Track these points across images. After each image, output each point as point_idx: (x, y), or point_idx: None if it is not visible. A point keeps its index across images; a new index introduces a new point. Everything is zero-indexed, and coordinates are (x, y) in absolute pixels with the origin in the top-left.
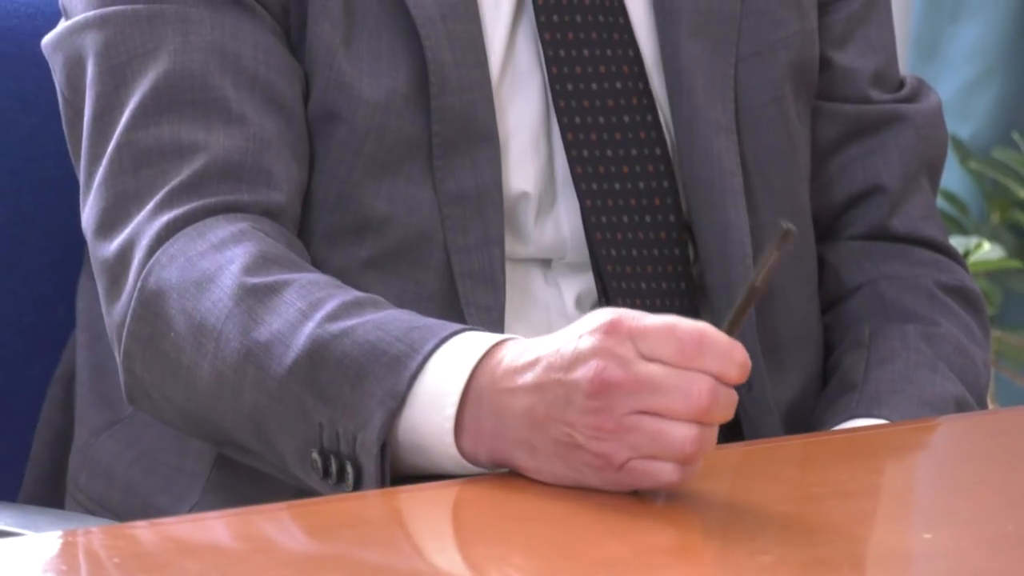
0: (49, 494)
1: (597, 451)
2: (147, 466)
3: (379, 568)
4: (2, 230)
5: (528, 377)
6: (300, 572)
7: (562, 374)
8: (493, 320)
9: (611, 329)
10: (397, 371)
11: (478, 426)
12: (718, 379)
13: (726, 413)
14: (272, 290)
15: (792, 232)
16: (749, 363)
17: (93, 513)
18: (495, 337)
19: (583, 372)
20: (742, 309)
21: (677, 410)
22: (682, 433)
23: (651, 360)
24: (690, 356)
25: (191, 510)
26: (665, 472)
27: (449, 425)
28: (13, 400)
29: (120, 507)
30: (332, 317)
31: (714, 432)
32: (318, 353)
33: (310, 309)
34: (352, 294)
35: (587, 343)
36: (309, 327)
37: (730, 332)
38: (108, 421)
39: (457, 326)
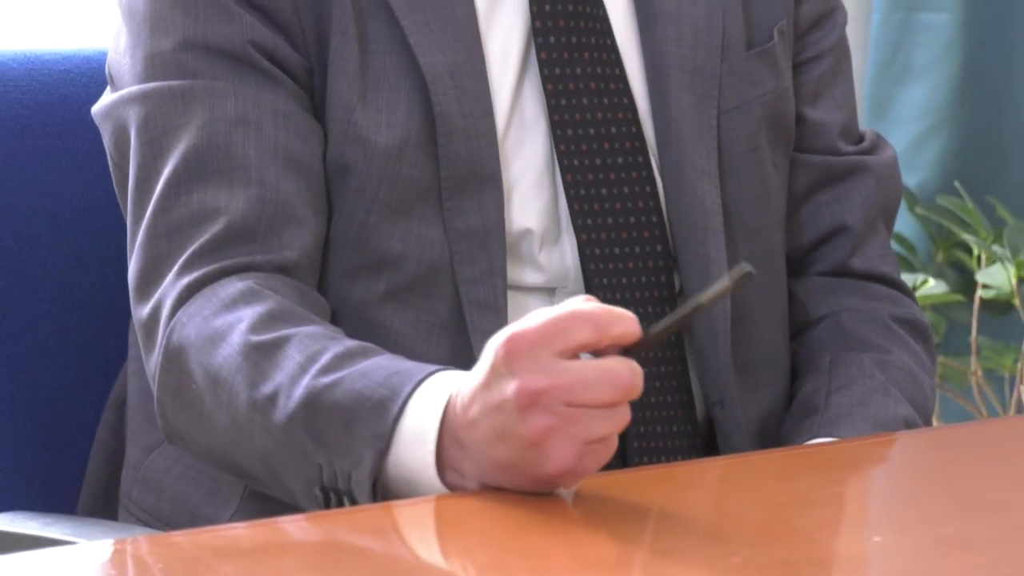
0: (103, 508)
1: (552, 454)
2: (192, 479)
3: (399, 566)
4: (61, 274)
5: (474, 410)
6: (324, 574)
7: (492, 398)
8: None
9: (511, 347)
10: (381, 415)
11: (455, 457)
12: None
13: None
14: (275, 346)
15: (752, 275)
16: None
17: (145, 523)
18: (454, 379)
19: (507, 392)
20: (682, 320)
21: (605, 400)
22: (622, 412)
23: (559, 355)
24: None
25: (232, 517)
26: (612, 445)
27: (431, 459)
28: (70, 424)
29: (170, 517)
30: (325, 369)
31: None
32: (313, 403)
33: (307, 362)
34: (344, 345)
35: (500, 365)
36: (305, 380)
37: (663, 334)
38: (157, 440)
39: (431, 368)
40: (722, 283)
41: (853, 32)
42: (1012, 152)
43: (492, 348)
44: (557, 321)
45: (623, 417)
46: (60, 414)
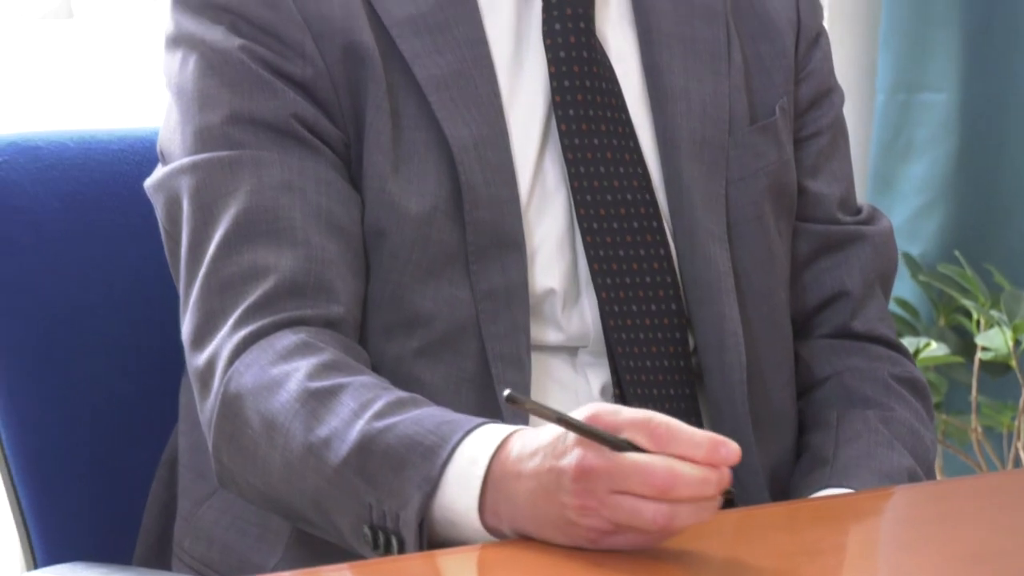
0: (157, 558)
1: (587, 525)
2: (240, 528)
3: None
4: (116, 340)
5: (529, 465)
6: None
7: (553, 462)
8: (521, 394)
9: (589, 421)
10: (431, 460)
11: (497, 505)
12: (684, 459)
13: (694, 491)
14: (331, 393)
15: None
16: (719, 448)
17: (197, 572)
18: (508, 429)
19: (567, 461)
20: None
21: (644, 491)
22: (652, 509)
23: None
24: (661, 444)
25: (277, 563)
26: (643, 540)
27: (475, 504)
28: (126, 480)
29: (220, 565)
30: (379, 415)
31: (691, 506)
32: (367, 446)
33: (361, 409)
34: (396, 394)
35: (571, 436)
36: (360, 424)
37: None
38: (207, 493)
39: (479, 420)
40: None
41: (858, 112)
42: (1008, 223)
43: (577, 412)
44: (636, 421)
45: (661, 512)
46: (117, 471)
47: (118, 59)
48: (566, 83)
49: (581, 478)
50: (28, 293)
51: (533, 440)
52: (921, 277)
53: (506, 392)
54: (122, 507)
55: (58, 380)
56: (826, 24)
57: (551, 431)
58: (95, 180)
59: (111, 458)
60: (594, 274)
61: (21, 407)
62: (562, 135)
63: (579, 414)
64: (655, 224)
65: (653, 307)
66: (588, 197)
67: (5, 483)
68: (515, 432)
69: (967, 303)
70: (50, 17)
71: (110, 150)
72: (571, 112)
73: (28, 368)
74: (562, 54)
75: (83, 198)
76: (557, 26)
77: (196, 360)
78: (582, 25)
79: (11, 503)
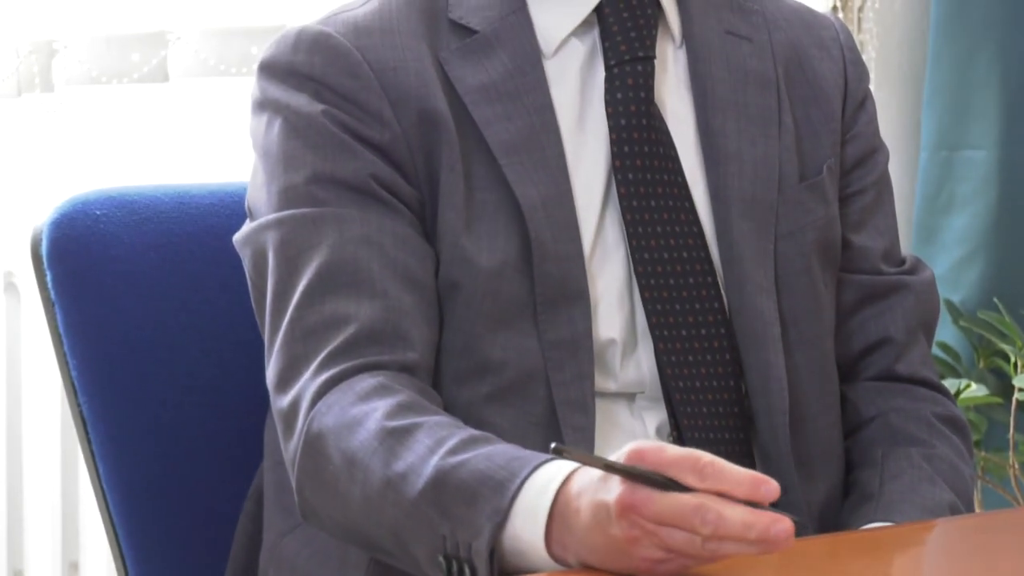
0: None
1: (640, 555)
2: (321, 560)
3: None
4: (208, 381)
5: (584, 501)
6: None
7: (601, 497)
8: (586, 438)
9: (633, 458)
10: (501, 493)
11: (561, 537)
12: (723, 495)
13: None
14: (407, 432)
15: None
16: (759, 486)
17: None
18: (573, 465)
19: (611, 496)
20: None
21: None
22: (699, 541)
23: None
24: (707, 480)
25: None
26: (694, 559)
27: (541, 535)
28: (216, 512)
29: None
30: (452, 452)
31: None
32: (441, 480)
33: (436, 446)
34: (468, 432)
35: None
36: (434, 460)
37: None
38: (289, 526)
39: (546, 456)
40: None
41: (903, 168)
42: None
43: (620, 452)
44: (681, 459)
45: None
46: (207, 504)
47: (209, 119)
48: (625, 148)
49: (624, 513)
50: (126, 337)
51: (588, 476)
52: (962, 322)
53: (552, 444)
54: (212, 538)
55: (152, 418)
56: (874, 86)
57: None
58: (187, 232)
59: (202, 492)
60: (652, 326)
61: (118, 443)
62: (621, 198)
63: (621, 454)
64: (710, 279)
65: (708, 357)
66: (646, 255)
67: (103, 514)
68: (578, 468)
69: (1005, 347)
70: (147, 80)
71: (201, 204)
72: (630, 176)
73: (125, 407)
74: (623, 122)
75: (176, 249)
76: (619, 95)
77: (280, 402)
78: (642, 95)
79: (108, 533)
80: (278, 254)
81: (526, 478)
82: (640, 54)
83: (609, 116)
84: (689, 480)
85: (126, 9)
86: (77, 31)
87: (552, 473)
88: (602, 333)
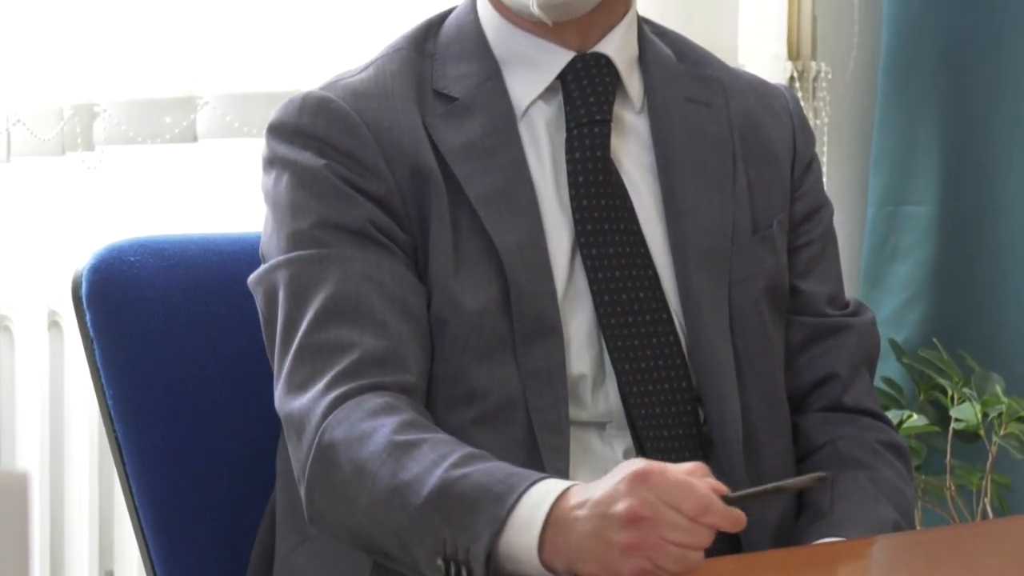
0: None
1: (629, 566)
2: (328, 571)
3: None
4: (229, 409)
5: (583, 511)
6: None
7: (604, 508)
8: (561, 456)
9: (640, 478)
10: (500, 504)
11: (555, 545)
12: (714, 528)
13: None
14: (413, 445)
15: (825, 479)
16: (741, 521)
17: None
18: (566, 483)
19: (620, 507)
20: (763, 492)
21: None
22: (687, 554)
23: (670, 506)
24: (699, 513)
25: None
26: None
27: (535, 543)
28: (237, 528)
29: None
30: (455, 465)
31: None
32: (445, 490)
33: (440, 459)
34: (468, 450)
35: (623, 488)
36: (439, 471)
37: (743, 500)
38: (299, 540)
39: (541, 475)
40: (804, 478)
41: (852, 221)
42: (979, 315)
43: (626, 467)
44: (682, 485)
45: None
46: (229, 520)
47: (233, 175)
48: (584, 203)
49: (631, 523)
50: (156, 370)
51: (586, 492)
52: (905, 360)
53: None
54: (233, 550)
55: (180, 443)
56: (826, 148)
57: (604, 486)
58: (213, 276)
59: (224, 509)
60: (614, 361)
61: (149, 464)
62: (581, 247)
63: (630, 467)
64: (665, 316)
65: (667, 386)
66: (606, 298)
67: (135, 528)
68: (575, 485)
69: (943, 382)
70: (177, 140)
71: (225, 251)
72: (588, 227)
73: (155, 432)
74: (580, 179)
75: (202, 291)
76: (577, 155)
77: (290, 412)
78: (598, 154)
79: (140, 545)
80: (287, 290)
81: (524, 491)
82: (597, 117)
83: (569, 174)
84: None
85: (159, 76)
86: (115, 96)
87: (549, 488)
88: (574, 368)
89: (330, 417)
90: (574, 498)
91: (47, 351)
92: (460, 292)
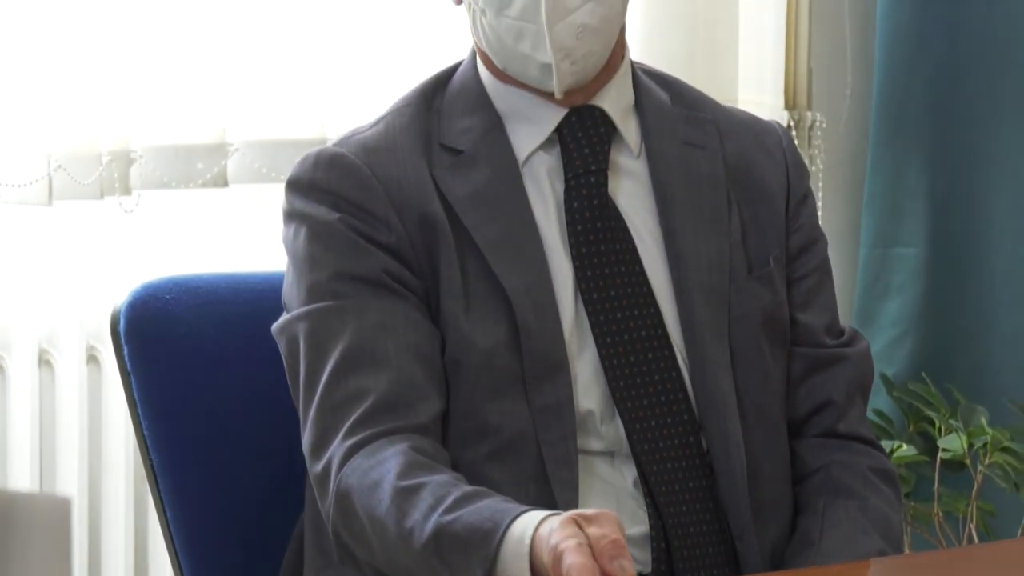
0: None
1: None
2: None
3: None
4: (258, 440)
5: (547, 543)
6: None
7: (549, 543)
8: (570, 488)
9: (567, 522)
10: (488, 542)
11: (538, 570)
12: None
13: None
14: (414, 491)
15: None
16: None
17: None
18: (542, 514)
19: (554, 542)
20: None
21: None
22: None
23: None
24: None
25: None
26: None
27: (527, 572)
28: (265, 551)
29: None
30: (448, 510)
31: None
32: (440, 535)
33: (436, 504)
34: (463, 490)
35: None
36: (434, 518)
37: None
38: (324, 564)
39: (522, 508)
40: None
41: (846, 261)
42: (965, 351)
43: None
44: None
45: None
46: (258, 544)
47: (261, 218)
48: (583, 250)
49: (559, 557)
50: (189, 402)
51: (552, 522)
52: (895, 393)
53: None
54: (263, 570)
55: (212, 470)
56: (821, 193)
57: (560, 520)
58: (242, 312)
59: (253, 533)
60: (616, 400)
61: (182, 490)
62: (582, 292)
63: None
64: (667, 353)
65: (669, 420)
66: (608, 339)
67: (169, 552)
68: (548, 515)
69: (931, 414)
70: (209, 185)
71: (254, 289)
72: (588, 273)
73: (188, 459)
74: (579, 227)
75: (232, 327)
76: (575, 204)
77: (315, 467)
78: (595, 202)
79: (174, 567)
80: (308, 342)
81: (507, 527)
82: (593, 167)
83: (569, 223)
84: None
85: (192, 125)
86: (151, 143)
87: (528, 521)
88: (582, 404)
89: (346, 466)
90: (544, 527)
91: (86, 384)
92: (471, 333)
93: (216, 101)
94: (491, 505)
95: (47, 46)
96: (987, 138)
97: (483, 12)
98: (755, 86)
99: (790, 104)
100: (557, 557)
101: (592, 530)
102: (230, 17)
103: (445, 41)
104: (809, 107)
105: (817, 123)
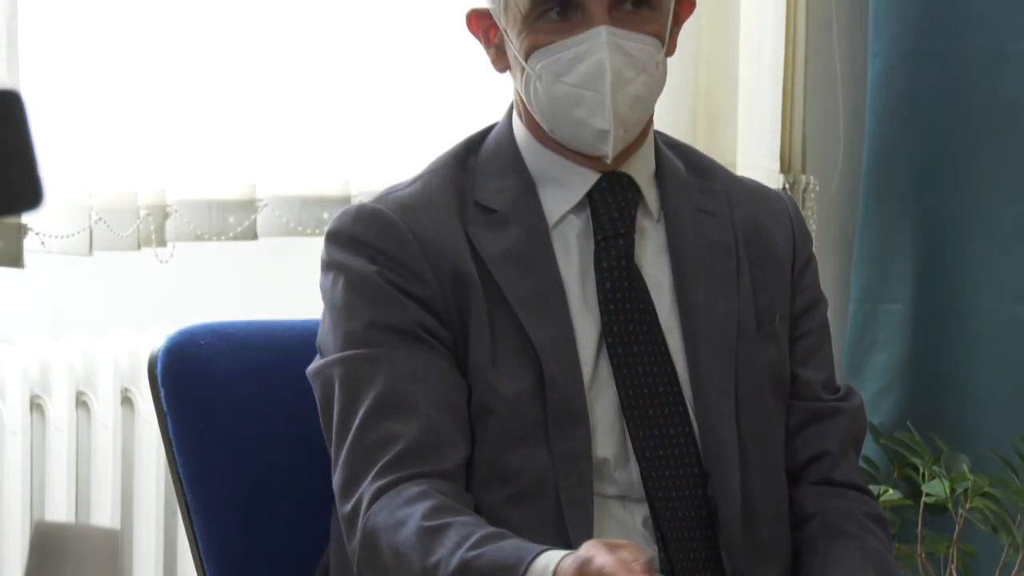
0: None
1: None
2: None
3: None
4: (287, 477)
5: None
6: None
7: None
8: (585, 532)
9: (585, 560)
10: (513, 575)
11: None
12: None
13: None
14: (439, 530)
15: None
16: None
17: None
18: (561, 554)
19: (581, 553)
20: None
21: None
22: None
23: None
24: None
25: None
26: None
27: None
28: None
29: None
30: (473, 547)
31: None
32: (465, 569)
33: (462, 541)
34: (487, 530)
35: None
36: (460, 553)
37: None
38: None
39: (543, 547)
40: None
41: (836, 315)
42: (947, 402)
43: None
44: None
45: None
46: (287, 573)
47: (289, 269)
48: (611, 307)
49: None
50: (222, 441)
51: (572, 558)
52: (882, 440)
53: None
54: None
55: (242, 505)
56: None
57: (579, 557)
58: (272, 357)
59: (282, 563)
60: (636, 449)
61: (215, 524)
62: (609, 346)
63: (582, 553)
64: (681, 409)
65: (681, 471)
66: (630, 391)
67: None
68: (567, 555)
69: (916, 461)
70: (240, 238)
71: (283, 336)
72: (615, 328)
73: (221, 496)
74: (608, 285)
75: (263, 371)
76: (604, 264)
77: (344, 507)
78: (624, 263)
79: None
80: (342, 386)
81: (530, 562)
82: (622, 230)
83: (598, 281)
84: None
85: (224, 181)
86: (185, 198)
87: (549, 558)
88: (599, 452)
89: (374, 506)
90: (565, 563)
91: (120, 424)
92: (498, 382)
93: (246, 159)
94: (515, 543)
95: (89, 110)
96: (969, 202)
97: (539, 77)
98: (753, 150)
99: (785, 168)
100: (585, 562)
101: (623, 553)
102: (260, 83)
103: (464, 104)
104: (804, 171)
105: (811, 186)
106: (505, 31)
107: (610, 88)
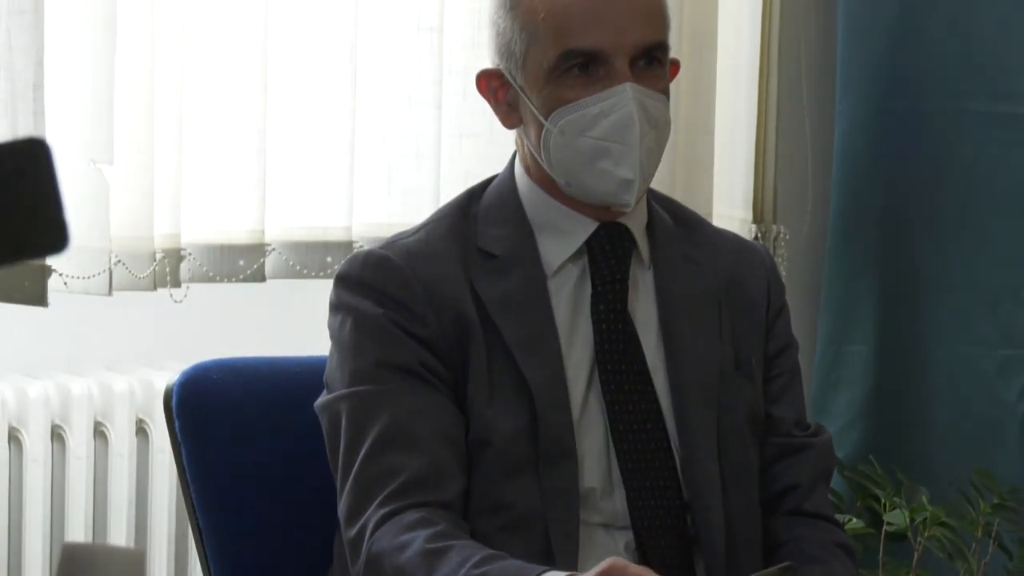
0: None
1: None
2: None
3: None
4: (294, 504)
5: None
6: None
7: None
8: (571, 561)
9: (608, 572)
10: None
11: None
12: None
13: None
14: (443, 551)
15: (792, 567)
16: None
17: None
18: (564, 574)
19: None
20: None
21: None
22: None
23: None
24: None
25: None
26: None
27: None
28: None
29: None
30: (476, 565)
31: None
32: None
33: (464, 561)
34: (488, 552)
35: (595, 574)
36: (463, 571)
37: None
38: None
39: (544, 568)
40: (775, 568)
41: (803, 357)
42: (908, 439)
43: (603, 563)
44: None
45: None
46: None
47: (295, 309)
48: (606, 347)
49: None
50: (233, 469)
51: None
52: (846, 473)
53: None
54: None
55: (252, 529)
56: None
57: (605, 561)
58: (279, 391)
59: None
60: (625, 479)
61: (226, 548)
62: (602, 383)
63: (602, 563)
64: (664, 444)
65: (664, 502)
66: (621, 427)
67: None
68: (572, 573)
69: (878, 492)
70: (249, 280)
71: (290, 372)
72: (608, 367)
73: (231, 521)
74: (603, 327)
75: (272, 405)
76: (601, 307)
77: (349, 532)
78: (618, 307)
79: None
80: (349, 419)
81: None
82: (618, 276)
83: (594, 323)
84: None
85: (234, 227)
86: (198, 242)
87: (554, 574)
88: (586, 482)
89: (378, 532)
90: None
91: (135, 453)
92: (494, 419)
93: (255, 207)
94: (516, 563)
95: (109, 160)
96: (930, 251)
97: (561, 132)
98: (728, 201)
99: (758, 218)
100: (609, 570)
101: (638, 569)
102: (267, 137)
103: (460, 154)
104: (775, 221)
105: (781, 235)
106: (521, 88)
107: (638, 140)
